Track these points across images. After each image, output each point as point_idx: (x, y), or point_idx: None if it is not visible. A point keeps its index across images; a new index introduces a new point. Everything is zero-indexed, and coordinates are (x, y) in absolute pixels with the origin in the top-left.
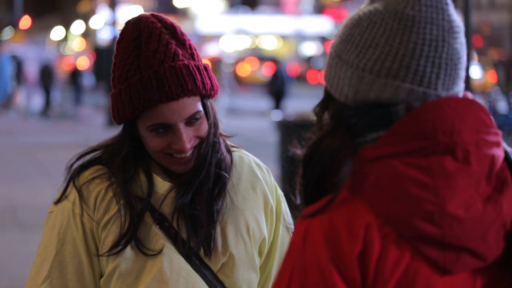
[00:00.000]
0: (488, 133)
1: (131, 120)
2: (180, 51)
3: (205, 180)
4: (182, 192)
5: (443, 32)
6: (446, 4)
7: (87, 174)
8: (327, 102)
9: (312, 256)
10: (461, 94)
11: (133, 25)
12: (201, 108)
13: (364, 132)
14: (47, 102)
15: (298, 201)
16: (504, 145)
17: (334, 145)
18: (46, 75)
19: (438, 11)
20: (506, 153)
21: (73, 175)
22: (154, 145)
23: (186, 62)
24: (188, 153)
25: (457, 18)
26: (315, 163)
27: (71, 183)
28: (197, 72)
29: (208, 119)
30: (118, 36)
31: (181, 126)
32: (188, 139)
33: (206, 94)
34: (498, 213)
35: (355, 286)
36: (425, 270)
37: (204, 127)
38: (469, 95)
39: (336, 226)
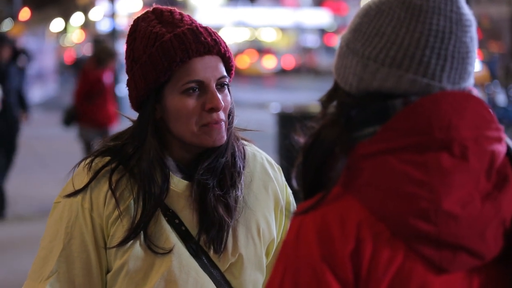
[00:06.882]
0: (489, 129)
1: (162, 82)
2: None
3: (223, 169)
4: (200, 187)
5: (451, 24)
6: None
7: (98, 166)
8: (335, 91)
9: (305, 253)
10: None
11: (149, 12)
12: (227, 75)
13: (361, 126)
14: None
15: (295, 185)
16: (507, 140)
17: (332, 137)
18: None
19: (446, 2)
20: (508, 148)
21: (83, 167)
22: (188, 107)
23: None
24: (221, 115)
25: (468, 12)
26: (314, 153)
27: (81, 175)
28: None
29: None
30: (127, 31)
31: (213, 85)
32: (220, 99)
33: (230, 62)
34: (497, 210)
35: (348, 285)
36: (420, 269)
37: (229, 99)
38: (474, 90)
39: (328, 223)
